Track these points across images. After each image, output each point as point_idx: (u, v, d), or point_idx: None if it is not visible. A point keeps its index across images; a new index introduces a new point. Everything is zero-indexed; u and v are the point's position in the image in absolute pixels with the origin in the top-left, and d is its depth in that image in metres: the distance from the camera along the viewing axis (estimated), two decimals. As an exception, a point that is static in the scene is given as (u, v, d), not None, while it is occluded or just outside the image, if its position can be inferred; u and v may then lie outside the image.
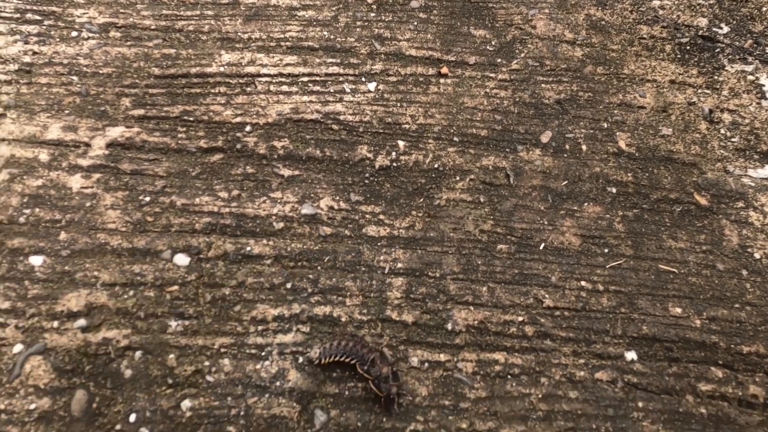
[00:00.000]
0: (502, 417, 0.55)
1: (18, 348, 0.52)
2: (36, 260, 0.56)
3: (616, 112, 0.75)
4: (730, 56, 0.83)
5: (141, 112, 0.67)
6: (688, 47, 0.83)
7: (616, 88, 0.78)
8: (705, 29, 0.85)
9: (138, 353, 0.54)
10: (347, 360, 0.53)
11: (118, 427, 0.50)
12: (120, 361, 0.53)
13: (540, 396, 0.56)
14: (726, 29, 0.86)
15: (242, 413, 0.52)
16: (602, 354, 0.59)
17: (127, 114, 0.67)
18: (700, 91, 0.79)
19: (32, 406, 0.50)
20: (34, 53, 0.70)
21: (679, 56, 0.82)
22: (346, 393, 0.54)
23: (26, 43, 0.70)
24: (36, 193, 0.60)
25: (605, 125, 0.74)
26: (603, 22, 0.84)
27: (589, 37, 0.82)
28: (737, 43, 0.84)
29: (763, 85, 0.80)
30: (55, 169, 0.62)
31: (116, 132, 0.65)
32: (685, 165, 0.73)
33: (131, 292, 0.56)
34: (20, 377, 0.51)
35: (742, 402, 0.58)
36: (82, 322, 0.54)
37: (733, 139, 0.75)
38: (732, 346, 0.61)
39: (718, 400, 0.58)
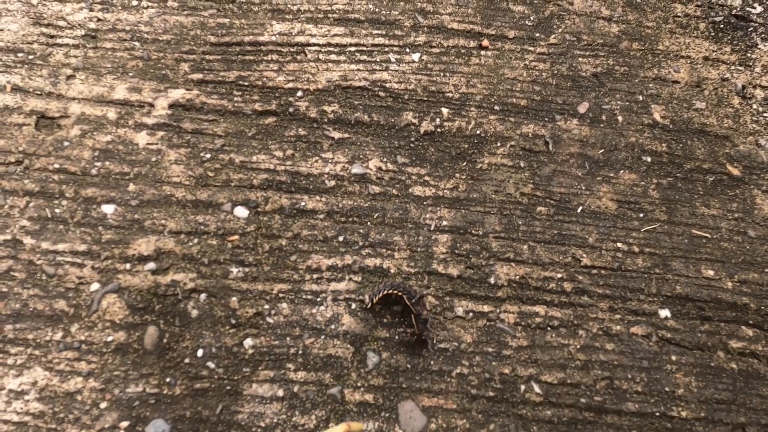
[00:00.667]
0: (542, 364, 0.58)
1: (95, 286, 0.56)
2: (108, 208, 0.61)
3: (651, 85, 0.78)
4: (763, 35, 0.85)
5: (199, 76, 0.71)
6: (721, 26, 0.85)
7: (651, 63, 0.80)
8: (738, 8, 0.87)
9: (203, 295, 0.58)
10: (396, 292, 0.56)
11: (186, 360, 0.54)
12: (187, 301, 0.57)
13: (578, 347, 0.59)
14: (759, 9, 0.87)
15: (300, 352, 0.56)
16: (637, 310, 0.62)
17: (187, 78, 0.71)
18: (733, 67, 0.81)
19: (109, 338, 0.54)
20: (99, 20, 0.74)
21: (712, 34, 0.84)
22: (396, 337, 0.57)
23: (91, 10, 0.74)
24: (106, 147, 0.64)
25: (640, 98, 0.77)
26: (638, 0, 0.86)
27: (625, 14, 0.84)
28: (771, 22, 0.86)
29: (796, 63, 0.82)
30: (123, 126, 0.66)
31: (177, 94, 0.69)
32: (718, 137, 0.75)
33: (196, 240, 0.60)
34: (98, 312, 0.55)
35: (771, 359, 0.61)
36: (152, 265, 0.58)
37: (765, 114, 0.78)
38: (762, 307, 0.64)
39: (748, 357, 0.61)
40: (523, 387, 0.57)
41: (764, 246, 0.67)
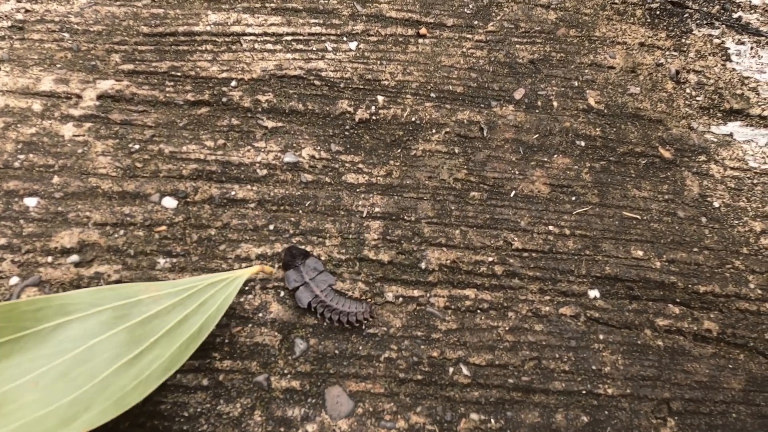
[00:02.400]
0: (471, 347, 0.58)
1: (14, 280, 0.55)
2: (30, 201, 0.59)
3: (586, 71, 0.79)
4: (697, 21, 0.86)
5: (130, 67, 0.70)
6: (657, 12, 0.86)
7: (587, 49, 0.81)
8: (675, -5, 0.88)
9: (128, 287, 0.57)
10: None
11: (109, 352, 0.54)
12: (111, 293, 0.56)
13: (507, 328, 0.60)
14: (695, -5, 0.89)
15: (227, 341, 0.55)
16: (567, 291, 0.63)
17: (117, 68, 0.69)
18: (668, 53, 0.82)
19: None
20: (27, 11, 0.72)
21: (649, 20, 0.85)
22: (324, 324, 0.57)
23: (19, 1, 0.73)
24: (30, 140, 0.63)
25: (576, 84, 0.77)
26: (577, -12, 0.87)
27: (563, 1, 0.85)
28: (705, 8, 0.87)
29: (728, 48, 0.84)
30: (48, 118, 0.65)
31: (107, 85, 0.68)
32: (651, 121, 0.76)
33: (121, 232, 0.59)
34: (17, 306, 0.54)
35: (697, 336, 0.62)
36: (75, 257, 0.57)
37: (697, 98, 0.79)
38: (689, 286, 0.65)
39: (674, 334, 0.62)
40: (451, 369, 0.57)
41: (693, 226, 0.69)
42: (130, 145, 0.64)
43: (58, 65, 0.68)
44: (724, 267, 0.67)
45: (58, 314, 0.46)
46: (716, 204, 0.71)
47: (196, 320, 0.49)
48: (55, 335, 0.45)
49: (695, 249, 0.67)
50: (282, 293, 0.58)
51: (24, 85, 0.66)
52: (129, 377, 0.45)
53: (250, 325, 0.56)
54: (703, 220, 0.70)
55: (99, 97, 0.67)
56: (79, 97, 0.67)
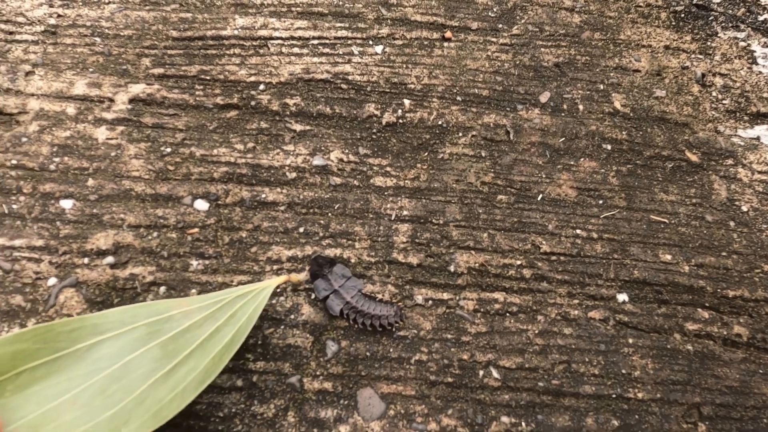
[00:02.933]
0: (500, 350, 0.59)
1: (52, 281, 0.56)
2: (66, 203, 0.60)
3: (612, 74, 0.79)
4: (723, 24, 0.86)
5: (161, 70, 0.71)
6: (682, 15, 0.86)
7: (612, 52, 0.81)
8: (700, -2, 0.88)
9: (162, 288, 0.58)
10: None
11: (145, 352, 0.54)
12: (146, 295, 0.57)
13: (536, 332, 0.60)
14: (720, -2, 0.89)
15: (260, 342, 0.56)
16: (595, 295, 0.63)
17: (148, 72, 0.70)
18: (693, 56, 0.82)
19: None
20: (59, 16, 0.73)
21: (673, 23, 0.85)
22: (356, 326, 0.58)
23: (51, 6, 0.74)
24: (64, 143, 0.64)
25: (601, 87, 0.77)
26: (601, -9, 0.87)
27: (587, 4, 0.85)
28: (730, 11, 0.87)
29: (755, 51, 0.83)
30: (82, 121, 0.66)
31: (138, 89, 0.69)
32: (678, 125, 0.76)
33: (155, 234, 0.60)
34: (55, 307, 0.55)
35: (727, 341, 0.62)
36: (110, 259, 0.58)
37: (724, 102, 0.79)
38: (718, 290, 0.65)
39: (704, 339, 0.62)
40: (481, 372, 0.57)
41: (721, 230, 0.69)
42: (162, 148, 0.65)
43: (91, 69, 0.70)
44: (753, 271, 0.66)
45: (92, 334, 0.47)
46: (744, 208, 0.70)
47: (227, 331, 0.50)
48: (91, 354, 0.46)
49: (724, 253, 0.67)
50: (313, 295, 0.59)
51: (58, 89, 0.67)
52: (165, 390, 0.46)
53: (282, 327, 0.57)
54: (732, 224, 0.69)
55: (131, 101, 0.68)
56: (111, 100, 0.68)
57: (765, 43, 0.84)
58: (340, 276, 0.58)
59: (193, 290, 0.58)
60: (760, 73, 0.82)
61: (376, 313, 0.57)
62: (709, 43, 0.84)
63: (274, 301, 0.58)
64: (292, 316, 0.58)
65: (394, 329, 0.58)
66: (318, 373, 0.55)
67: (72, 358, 0.46)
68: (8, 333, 0.53)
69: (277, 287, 0.59)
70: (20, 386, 0.44)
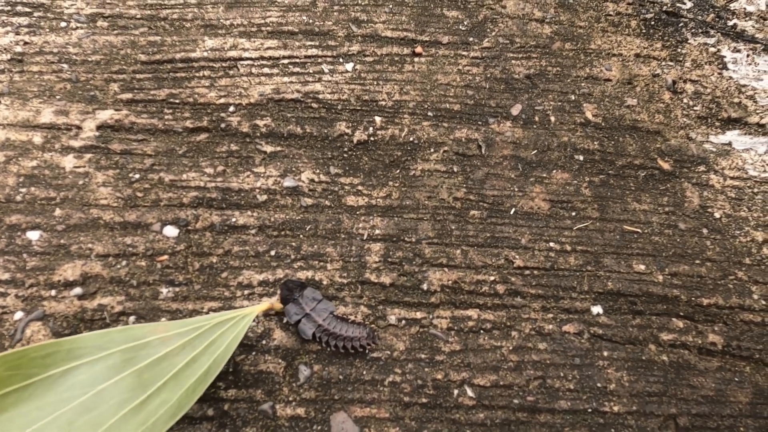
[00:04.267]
0: (475, 368, 0.58)
1: (18, 315, 0.56)
2: (33, 235, 0.60)
3: (583, 85, 0.79)
4: (693, 30, 0.86)
5: (129, 95, 0.70)
6: (652, 22, 0.87)
7: (583, 62, 0.81)
8: (669, 4, 0.88)
9: (132, 318, 0.57)
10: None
11: (115, 384, 0.54)
12: (115, 325, 0.57)
13: (511, 348, 0.60)
14: (689, 4, 0.89)
15: (231, 369, 0.56)
16: (569, 309, 0.63)
17: (116, 98, 0.70)
18: (664, 63, 0.83)
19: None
20: (25, 43, 0.73)
21: (644, 31, 0.86)
22: (328, 349, 0.58)
23: (17, 33, 0.73)
24: (31, 173, 0.63)
25: (573, 97, 0.78)
26: (571, 0, 0.88)
27: (558, 14, 0.85)
28: (700, 17, 0.87)
29: (725, 57, 0.84)
30: (49, 150, 0.65)
31: (106, 115, 0.68)
32: (650, 133, 0.76)
33: (124, 262, 0.60)
34: (21, 341, 0.54)
35: (702, 350, 0.62)
36: (78, 290, 0.58)
37: (695, 108, 0.79)
38: (693, 298, 0.65)
39: (679, 349, 0.62)
40: (456, 391, 0.57)
41: (694, 238, 0.69)
42: (131, 175, 0.65)
43: (58, 96, 0.69)
44: (727, 278, 0.67)
45: (66, 359, 0.46)
46: (717, 215, 0.71)
47: (204, 361, 0.49)
48: (63, 381, 0.45)
49: (697, 261, 0.67)
50: (285, 320, 0.58)
51: (24, 118, 0.67)
52: (134, 424, 0.45)
53: (254, 353, 0.57)
54: (705, 231, 0.69)
55: (99, 128, 0.67)
56: (78, 128, 0.67)
57: (735, 48, 0.85)
58: (311, 299, 0.58)
59: (163, 318, 0.57)
60: (731, 78, 0.82)
61: (348, 335, 0.56)
62: (679, 50, 0.84)
63: (245, 327, 0.58)
64: (264, 342, 0.57)
65: (367, 351, 0.58)
66: (291, 398, 0.55)
67: (44, 385, 0.45)
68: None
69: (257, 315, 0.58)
70: None
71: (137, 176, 0.65)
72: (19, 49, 0.72)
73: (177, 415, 0.47)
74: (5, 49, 0.72)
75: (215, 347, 0.50)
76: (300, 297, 0.58)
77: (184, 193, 0.65)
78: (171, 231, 0.62)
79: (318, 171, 0.68)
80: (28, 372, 0.45)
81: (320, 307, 0.57)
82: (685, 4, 0.89)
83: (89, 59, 0.73)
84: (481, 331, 0.60)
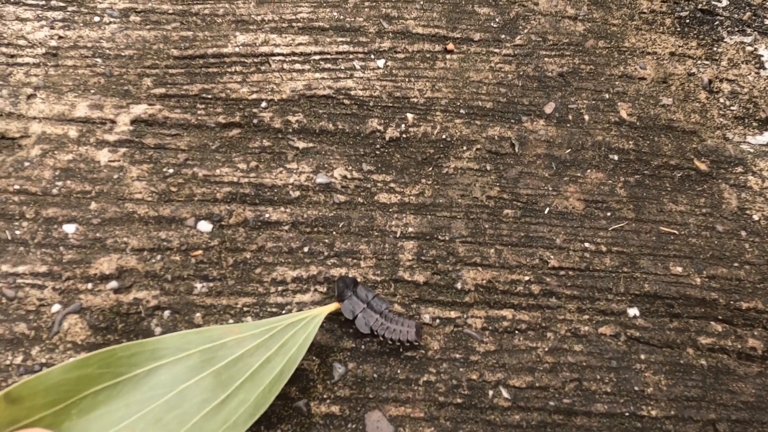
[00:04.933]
0: (510, 369, 0.58)
1: (56, 308, 0.56)
2: (69, 228, 0.60)
3: (617, 83, 0.78)
4: (729, 28, 0.85)
5: (162, 90, 0.70)
6: (687, 20, 0.85)
7: (617, 60, 0.80)
8: (704, 2, 0.87)
9: (167, 312, 0.57)
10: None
11: (150, 378, 0.54)
12: (150, 319, 0.57)
13: (546, 349, 0.59)
14: (725, 2, 0.88)
15: (265, 366, 0.55)
16: (605, 310, 0.62)
17: (149, 93, 0.70)
18: (699, 62, 0.81)
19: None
20: (60, 37, 0.73)
21: (678, 29, 0.84)
22: (362, 347, 0.57)
23: (52, 28, 0.74)
24: (67, 166, 0.64)
25: (607, 96, 0.76)
26: (604, -2, 0.87)
27: (591, 12, 0.84)
28: (736, 15, 0.86)
29: (762, 56, 0.82)
30: (84, 144, 0.65)
31: (139, 109, 0.68)
32: (685, 133, 0.75)
33: (158, 257, 0.60)
34: (59, 334, 0.55)
35: (741, 354, 0.61)
36: (114, 284, 0.58)
37: (732, 108, 0.78)
38: (731, 302, 0.64)
39: (717, 353, 0.61)
40: (491, 392, 0.56)
41: (732, 240, 0.67)
42: (165, 170, 0.65)
43: (92, 91, 0.69)
44: (766, 282, 0.65)
45: (150, 359, 0.48)
46: (756, 217, 0.69)
47: (278, 362, 0.50)
48: (148, 380, 0.47)
49: (736, 264, 0.66)
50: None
51: (60, 112, 0.67)
52: (218, 422, 0.46)
53: (288, 350, 0.56)
54: (743, 234, 0.68)
55: (133, 122, 0.68)
56: (113, 122, 0.67)
57: (772, 47, 0.83)
58: (365, 295, 0.57)
59: (198, 314, 0.57)
60: (768, 77, 0.80)
61: (404, 329, 0.56)
62: (715, 49, 0.83)
63: (279, 323, 0.57)
64: (298, 339, 0.57)
65: (418, 346, 0.57)
66: (325, 396, 0.55)
67: (131, 383, 0.47)
68: (71, 359, 0.52)
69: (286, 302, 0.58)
70: (83, 410, 0.45)
71: (171, 171, 0.65)
72: (53, 43, 0.73)
73: (255, 414, 0.48)
74: (40, 43, 0.72)
75: (288, 347, 0.51)
76: (354, 294, 0.57)
77: (217, 188, 0.64)
78: (205, 226, 0.62)
79: (350, 168, 0.68)
80: (117, 371, 0.47)
81: (376, 303, 0.57)
82: (720, 2, 0.87)
83: (122, 54, 0.73)
84: (516, 332, 0.60)
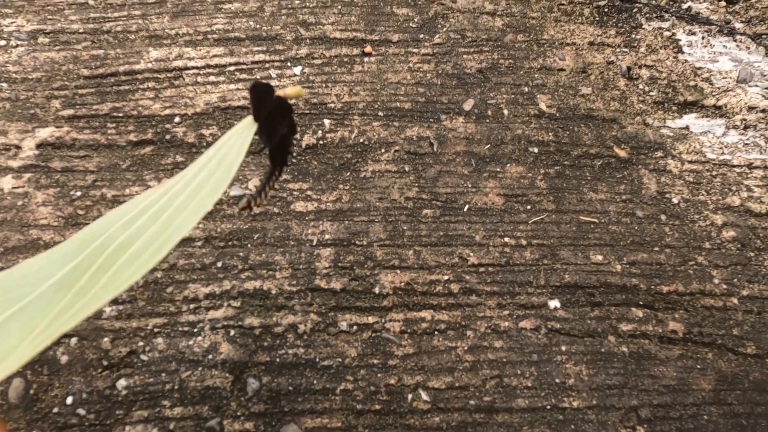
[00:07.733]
0: (429, 370, 0.57)
1: (-45, 343, 0.54)
2: (-30, 259, 0.58)
3: (536, 76, 0.78)
4: (647, 15, 0.85)
5: (71, 112, 0.69)
6: (606, 9, 0.86)
7: (536, 53, 0.80)
8: (622, -9, 0.87)
9: (74, 339, 0.56)
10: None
11: (55, 410, 0.52)
12: (56, 348, 0.55)
13: (466, 348, 0.59)
14: (643, -11, 0.88)
15: (176, 387, 0.54)
16: (526, 304, 0.62)
17: (57, 115, 0.69)
18: (618, 50, 0.82)
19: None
20: (-37, 64, 0.71)
21: (597, 19, 0.85)
22: (277, 360, 0.56)
23: (-46, 55, 0.72)
24: (-32, 196, 0.62)
25: (526, 89, 0.77)
26: (523, -8, 0.87)
27: (509, 7, 0.84)
28: (654, 1, 0.87)
29: (680, 40, 0.83)
30: (-14, 172, 0.64)
31: (46, 132, 0.67)
32: (605, 121, 0.75)
33: (65, 283, 0.58)
34: (-42, 370, 0.53)
35: (663, 338, 0.61)
36: (17, 314, 0.56)
37: (651, 93, 0.78)
38: (652, 287, 0.64)
39: (639, 339, 0.61)
40: (410, 396, 0.56)
41: (652, 225, 0.68)
42: (72, 192, 0.63)
43: (-3, 117, 0.68)
44: (686, 264, 0.65)
45: None
46: (675, 200, 0.70)
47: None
48: None
49: (656, 248, 0.66)
50: (232, 332, 0.57)
51: (-39, 141, 0.65)
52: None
53: (200, 369, 0.55)
54: (663, 217, 0.68)
55: (38, 146, 0.66)
56: (18, 147, 0.66)
57: (689, 30, 0.84)
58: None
59: (106, 338, 0.56)
60: (686, 61, 0.81)
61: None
62: (633, 36, 0.83)
63: (191, 342, 0.56)
64: (210, 356, 0.56)
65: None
66: (239, 413, 0.53)
67: None
68: None
69: (194, 321, 0.57)
70: None
71: (78, 194, 0.63)
72: (-44, 70, 0.71)
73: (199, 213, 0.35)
74: (-58, 71, 0.71)
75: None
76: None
77: (127, 208, 0.63)
78: (114, 248, 0.60)
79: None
80: None
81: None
82: (638, -11, 0.88)
83: (30, 77, 0.71)
84: (436, 333, 0.59)
